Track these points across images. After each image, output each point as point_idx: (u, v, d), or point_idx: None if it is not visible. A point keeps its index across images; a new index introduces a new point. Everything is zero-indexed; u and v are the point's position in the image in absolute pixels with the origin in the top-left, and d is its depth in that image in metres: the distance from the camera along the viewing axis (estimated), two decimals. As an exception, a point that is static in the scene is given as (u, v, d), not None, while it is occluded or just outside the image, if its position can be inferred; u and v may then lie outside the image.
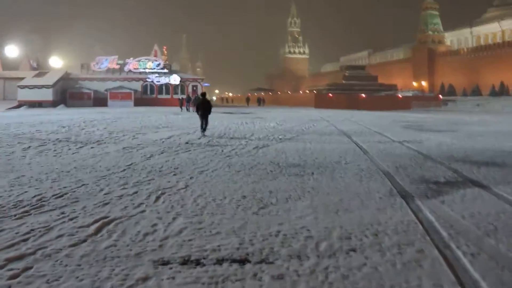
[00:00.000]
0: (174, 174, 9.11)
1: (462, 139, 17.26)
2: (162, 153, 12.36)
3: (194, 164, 10.36)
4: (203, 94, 19.38)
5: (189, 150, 12.91)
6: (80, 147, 13.85)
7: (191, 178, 8.73)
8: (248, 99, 78.91)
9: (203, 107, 18.41)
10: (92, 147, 13.73)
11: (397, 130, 21.57)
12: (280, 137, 17.17)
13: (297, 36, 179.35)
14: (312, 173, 9.29)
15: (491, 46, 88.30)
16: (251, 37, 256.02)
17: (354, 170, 9.78)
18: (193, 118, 29.61)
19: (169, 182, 8.38)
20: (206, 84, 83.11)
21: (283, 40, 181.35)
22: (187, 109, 43.50)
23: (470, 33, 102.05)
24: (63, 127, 21.47)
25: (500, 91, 76.37)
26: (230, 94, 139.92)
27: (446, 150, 13.67)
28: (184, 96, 48.49)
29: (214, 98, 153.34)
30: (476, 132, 20.72)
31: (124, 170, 9.72)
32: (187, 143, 14.91)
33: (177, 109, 45.63)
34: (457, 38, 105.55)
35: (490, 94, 76.66)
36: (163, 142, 15.17)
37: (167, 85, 69.77)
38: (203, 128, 18.30)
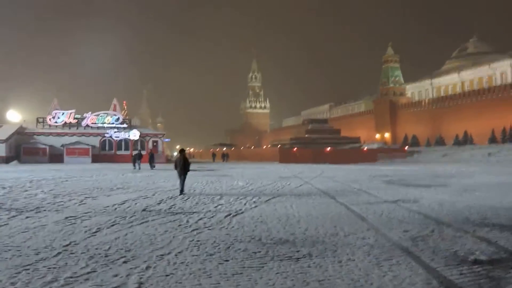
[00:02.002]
0: (125, 261, 6.67)
1: (460, 195, 15.26)
2: (112, 225, 9.85)
3: (152, 244, 7.90)
4: (181, 151, 18.17)
5: (147, 221, 10.42)
6: (13, 216, 11.26)
7: (147, 268, 6.30)
8: (214, 155, 76.89)
9: (181, 165, 17.34)
10: (27, 217, 11.14)
11: (380, 186, 19.50)
12: (254, 199, 14.80)
13: (258, 91, 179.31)
14: (310, 255, 6.97)
15: (452, 97, 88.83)
16: (212, 92, 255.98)
17: (361, 246, 7.52)
18: (152, 177, 27.15)
19: (116, 276, 5.96)
20: (166, 140, 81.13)
21: (244, 95, 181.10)
22: (138, 167, 40.07)
23: (431, 84, 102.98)
24: (4, 188, 18.75)
25: (463, 141, 76.01)
26: (192, 150, 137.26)
27: (453, 211, 11.58)
28: (139, 152, 45.05)
29: (175, 153, 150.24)
30: (468, 186, 18.79)
31: (59, 254, 7.24)
32: (144, 210, 12.39)
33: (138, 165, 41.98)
34: (418, 90, 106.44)
35: (454, 144, 76.23)
36: (115, 209, 12.62)
37: (126, 140, 67.32)
38: (181, 187, 17.21)
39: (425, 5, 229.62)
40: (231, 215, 11.32)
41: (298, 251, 7.21)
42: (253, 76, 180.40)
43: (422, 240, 7.97)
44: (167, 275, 5.95)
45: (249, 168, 41.47)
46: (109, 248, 7.59)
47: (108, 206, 13.14)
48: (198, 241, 8.09)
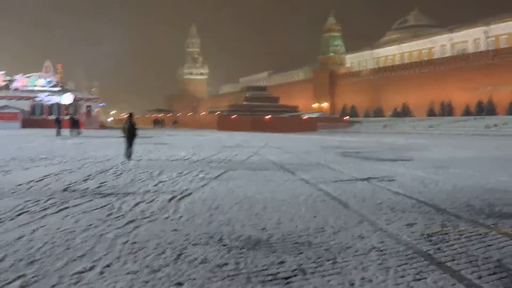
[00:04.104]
0: (22, 287, 4.28)
1: (436, 172, 13.33)
2: (19, 214, 7.28)
3: (68, 249, 5.45)
4: (129, 115, 17.34)
5: (66, 207, 7.89)
6: None
7: (53, 301, 3.95)
8: (155, 121, 73.91)
9: (128, 130, 16.68)
10: None
11: (339, 159, 17.55)
12: (201, 175, 12.42)
13: (196, 56, 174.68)
14: (302, 270, 4.70)
15: (392, 68, 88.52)
16: (150, 57, 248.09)
17: (366, 252, 5.36)
18: (83, 145, 24.40)
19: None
20: (101, 104, 77.65)
21: (182, 60, 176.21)
22: (57, 133, 36.65)
23: (371, 55, 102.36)
24: None
25: (402, 112, 75.90)
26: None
27: (445, 193, 9.63)
28: (57, 117, 41.23)
29: (111, 119, 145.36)
30: (435, 161, 17.03)
31: None
32: (65, 189, 9.85)
33: (67, 132, 37.91)
34: (358, 60, 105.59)
35: (393, 115, 76.06)
36: (29, 188, 9.98)
37: (58, 104, 63.38)
38: (127, 153, 16.70)
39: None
40: (177, 197, 8.95)
41: (281, 262, 4.98)
42: (192, 42, 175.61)
43: (441, 240, 5.91)
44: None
45: (189, 136, 39.13)
46: (4, 257, 5.10)
47: (21, 184, 10.48)
48: (134, 243, 5.69)
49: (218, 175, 12.41)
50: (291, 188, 10.30)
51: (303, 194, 9.43)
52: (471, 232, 6.35)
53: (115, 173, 12.83)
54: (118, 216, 7.21)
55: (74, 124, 37.35)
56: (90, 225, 6.63)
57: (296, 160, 17.00)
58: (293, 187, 10.46)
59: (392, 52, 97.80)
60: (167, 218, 7.16)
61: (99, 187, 10.29)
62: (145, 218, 7.12)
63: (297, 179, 11.76)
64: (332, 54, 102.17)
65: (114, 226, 6.59)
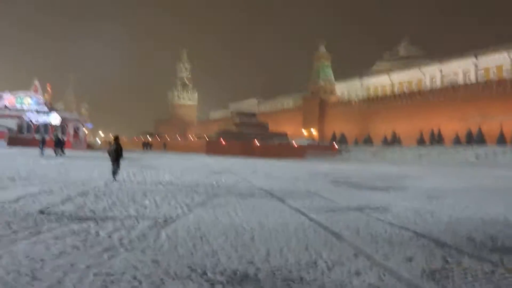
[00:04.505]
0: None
1: (430, 203, 12.89)
2: (-15, 238, 6.75)
3: (34, 279, 4.86)
4: (116, 138, 17.67)
5: (39, 232, 7.28)
6: None
7: None
8: (144, 144, 73.16)
9: (114, 151, 16.96)
10: None
11: (329, 187, 17.06)
12: (186, 201, 11.85)
13: (186, 81, 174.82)
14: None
15: (382, 98, 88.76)
16: (141, 81, 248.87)
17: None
18: (66, 165, 23.73)
19: None
20: (89, 125, 77.17)
21: (172, 85, 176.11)
22: (42, 153, 36.09)
23: (361, 84, 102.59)
24: None
25: (392, 141, 75.82)
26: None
27: (442, 224, 9.17)
28: (42, 137, 41.18)
29: (99, 141, 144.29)
30: (429, 191, 16.58)
31: None
32: (41, 212, 9.23)
33: (52, 152, 37.51)
34: (347, 89, 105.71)
35: (382, 144, 75.95)
36: (2, 209, 9.38)
37: (46, 124, 62.77)
38: (113, 175, 16.99)
39: (357, 5, 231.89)
40: (159, 224, 8.38)
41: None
42: (183, 67, 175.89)
43: (445, 278, 5.42)
44: None
45: (176, 160, 38.47)
46: (-41, 287, 4.58)
47: (-6, 206, 9.89)
48: (108, 274, 5.14)
49: (204, 202, 11.83)
50: (279, 216, 9.76)
51: (293, 223, 8.90)
52: (476, 269, 5.86)
53: (96, 195, 12.23)
54: (94, 244, 6.64)
55: (58, 143, 36.69)
56: (62, 252, 6.06)
57: (286, 187, 16.48)
58: (282, 215, 9.93)
59: (382, 81, 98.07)
60: (146, 247, 6.60)
61: (77, 210, 9.68)
62: (122, 246, 6.56)
63: (286, 208, 11.23)
64: (322, 82, 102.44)
65: (88, 254, 6.02)
